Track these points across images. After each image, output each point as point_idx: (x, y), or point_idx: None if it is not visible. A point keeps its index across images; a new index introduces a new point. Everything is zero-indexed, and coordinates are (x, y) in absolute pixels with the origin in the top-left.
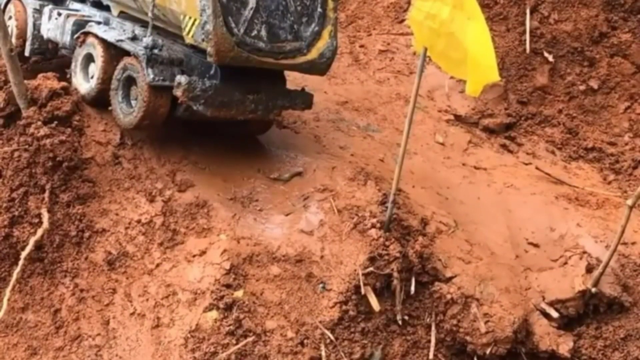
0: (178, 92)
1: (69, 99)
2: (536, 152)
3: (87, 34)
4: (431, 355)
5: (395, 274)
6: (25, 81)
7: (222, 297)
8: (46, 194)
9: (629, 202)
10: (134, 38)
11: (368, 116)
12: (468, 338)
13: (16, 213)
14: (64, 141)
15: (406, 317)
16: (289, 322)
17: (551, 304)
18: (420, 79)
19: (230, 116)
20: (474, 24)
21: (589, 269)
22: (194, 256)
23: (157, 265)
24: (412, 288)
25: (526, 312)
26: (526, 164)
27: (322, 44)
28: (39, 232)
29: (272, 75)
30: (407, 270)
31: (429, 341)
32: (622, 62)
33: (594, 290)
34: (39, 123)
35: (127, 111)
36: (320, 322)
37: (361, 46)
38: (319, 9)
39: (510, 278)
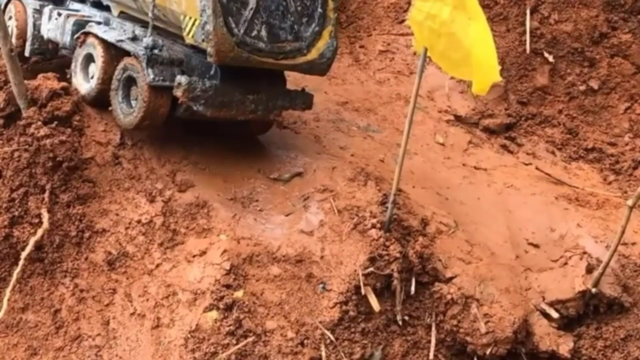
0: (178, 93)
1: (69, 99)
2: (536, 152)
3: (87, 34)
4: (431, 356)
5: (396, 274)
6: (26, 81)
7: (222, 298)
8: (46, 194)
9: (629, 202)
10: (134, 38)
11: (368, 116)
12: (468, 338)
13: (16, 213)
14: (64, 141)
15: (406, 318)
16: (289, 322)
17: (551, 304)
18: (421, 80)
19: (230, 116)
20: (476, 24)
21: (589, 270)
22: (194, 256)
23: (157, 266)
24: (412, 288)
25: (526, 312)
26: (526, 165)
27: (322, 44)
28: (39, 232)
29: (272, 76)
30: (407, 270)
31: (429, 341)
32: (622, 63)
33: (594, 290)
34: (39, 123)
35: (128, 111)
36: (320, 322)
37: (361, 46)
38: (319, 9)
39: (511, 278)
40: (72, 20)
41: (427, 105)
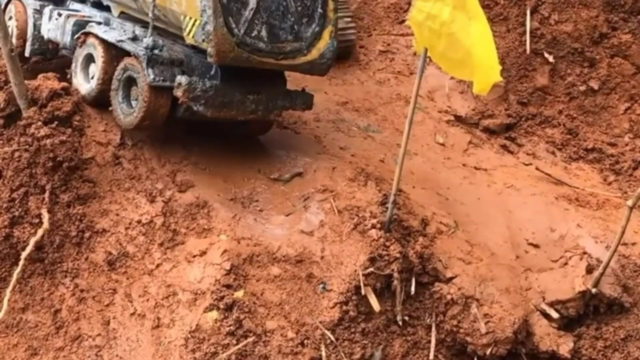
0: (178, 93)
1: (69, 99)
2: (536, 152)
3: (87, 34)
4: (431, 356)
5: (396, 275)
6: (26, 81)
7: (222, 298)
8: (46, 194)
9: (629, 202)
10: (134, 38)
11: (368, 117)
12: (468, 338)
13: (16, 213)
14: (65, 141)
15: (406, 318)
16: (289, 322)
17: (551, 304)
18: (421, 80)
19: (230, 116)
20: (476, 25)
21: (589, 270)
22: (194, 256)
23: (158, 266)
24: (413, 288)
25: (526, 312)
26: (526, 165)
27: (322, 45)
28: (39, 232)
29: (272, 76)
30: (408, 270)
31: (429, 342)
32: (623, 63)
33: (594, 290)
34: (40, 123)
35: (128, 111)
36: (320, 322)
37: (361, 47)
38: (320, 10)
39: (511, 278)
40: (72, 20)
41: (427, 105)
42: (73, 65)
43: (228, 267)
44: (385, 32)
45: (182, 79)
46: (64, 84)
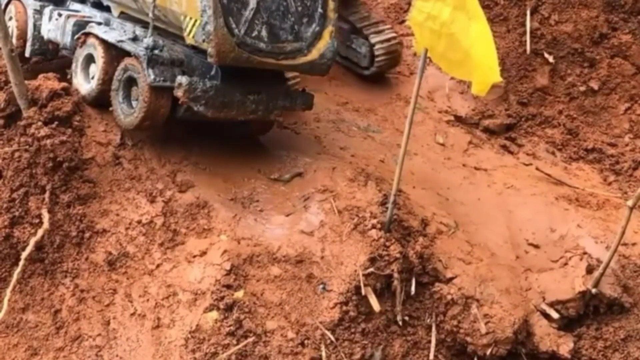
0: (179, 93)
1: (69, 99)
2: (536, 153)
3: (87, 34)
4: (431, 356)
5: (396, 275)
6: (26, 82)
7: (222, 298)
8: (46, 195)
9: (629, 203)
10: (134, 39)
11: (368, 117)
12: (468, 339)
13: (17, 213)
14: (65, 141)
15: (406, 318)
16: (289, 322)
17: (551, 304)
18: (421, 80)
19: (231, 117)
20: (476, 25)
21: (590, 270)
22: (195, 257)
23: (158, 266)
24: (413, 289)
25: (526, 312)
26: (526, 165)
27: (322, 45)
28: (40, 232)
29: (272, 76)
30: (408, 270)
31: (430, 342)
32: (623, 63)
33: (594, 291)
34: (40, 123)
35: (128, 112)
36: (320, 322)
37: None
38: (320, 10)
39: (511, 279)
40: (72, 20)
41: (427, 105)
42: (73, 65)
43: (228, 267)
44: None
45: (182, 79)
46: (64, 84)
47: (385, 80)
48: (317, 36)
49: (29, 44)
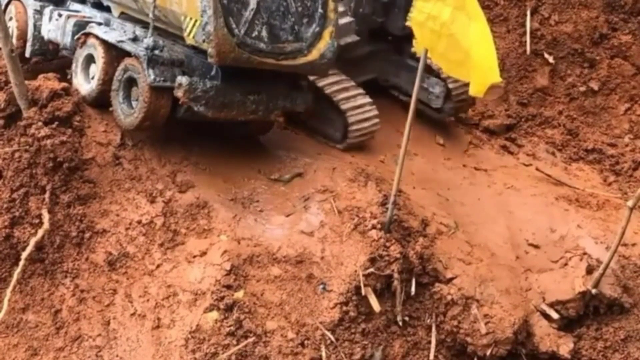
0: (179, 93)
1: (69, 99)
2: (536, 153)
3: (87, 35)
4: (432, 356)
5: (396, 275)
6: (26, 82)
7: (222, 298)
8: (47, 195)
9: (629, 203)
10: (134, 39)
11: None
12: (468, 339)
13: (17, 214)
14: (65, 142)
15: (406, 318)
16: (289, 322)
17: (551, 305)
18: (421, 80)
19: (231, 117)
20: (476, 25)
21: (589, 270)
22: (195, 257)
23: (158, 266)
24: (413, 289)
25: (526, 313)
26: (526, 165)
27: (322, 45)
28: (40, 232)
29: (272, 76)
30: (408, 271)
31: (430, 342)
32: (623, 64)
33: (594, 291)
34: (40, 124)
35: (128, 112)
36: (320, 322)
37: None
38: (320, 10)
39: (511, 279)
40: (72, 21)
41: None
42: (73, 65)
43: (228, 268)
44: None
45: (182, 79)
46: (64, 84)
47: None
48: (318, 36)
49: (29, 44)
